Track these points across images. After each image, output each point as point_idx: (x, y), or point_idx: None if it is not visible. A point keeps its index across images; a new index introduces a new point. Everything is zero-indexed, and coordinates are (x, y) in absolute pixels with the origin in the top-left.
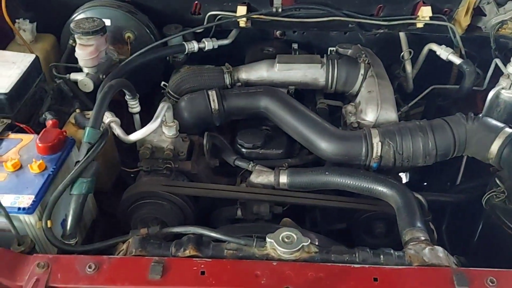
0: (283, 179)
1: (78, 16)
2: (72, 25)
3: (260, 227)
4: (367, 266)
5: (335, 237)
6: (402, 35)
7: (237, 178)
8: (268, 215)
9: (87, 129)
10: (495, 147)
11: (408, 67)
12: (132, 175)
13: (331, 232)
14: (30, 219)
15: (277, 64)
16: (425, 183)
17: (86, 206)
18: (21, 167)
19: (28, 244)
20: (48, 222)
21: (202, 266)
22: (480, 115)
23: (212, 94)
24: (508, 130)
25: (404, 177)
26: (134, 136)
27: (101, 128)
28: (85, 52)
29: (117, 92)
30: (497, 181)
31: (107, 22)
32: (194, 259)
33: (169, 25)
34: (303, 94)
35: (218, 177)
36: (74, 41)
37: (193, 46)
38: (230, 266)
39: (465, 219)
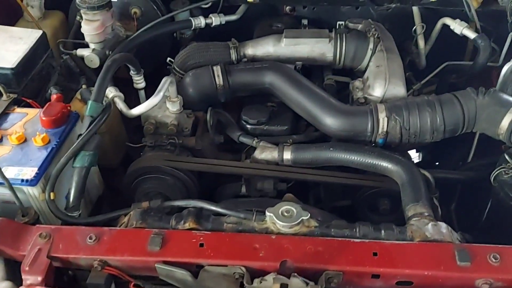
0: (287, 155)
1: None
2: (78, 0)
3: (262, 202)
4: (367, 241)
5: (339, 214)
6: (415, 9)
7: (242, 155)
8: (272, 192)
9: (90, 102)
10: (505, 122)
11: (421, 42)
12: (141, 152)
13: (335, 209)
14: (34, 191)
15: (284, 39)
16: (437, 163)
17: (92, 181)
18: (25, 140)
19: (32, 215)
20: (51, 194)
21: (201, 238)
22: (492, 89)
23: (217, 70)
24: None
25: (417, 157)
26: (136, 111)
27: (104, 102)
28: (91, 27)
29: (122, 67)
30: (507, 158)
31: None
32: (193, 231)
33: (176, 0)
34: (310, 70)
35: (223, 154)
36: (81, 17)
37: (200, 21)
38: (228, 239)
39: (475, 197)
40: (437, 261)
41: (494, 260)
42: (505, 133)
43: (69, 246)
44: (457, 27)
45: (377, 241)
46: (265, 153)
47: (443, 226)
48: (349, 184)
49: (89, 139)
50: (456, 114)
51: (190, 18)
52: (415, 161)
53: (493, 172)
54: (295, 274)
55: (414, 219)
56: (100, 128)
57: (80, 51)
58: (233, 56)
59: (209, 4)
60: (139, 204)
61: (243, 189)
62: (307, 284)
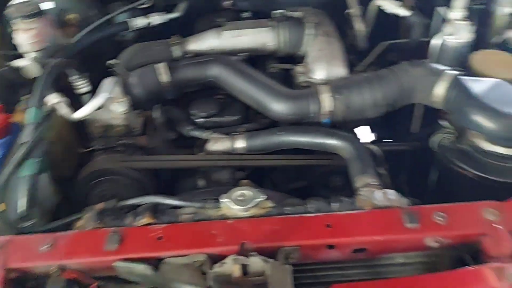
0: (239, 143)
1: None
2: (10, 10)
3: (219, 191)
4: (320, 214)
5: (297, 196)
6: None
7: (195, 149)
8: (232, 182)
9: (29, 109)
10: (438, 89)
11: (357, 25)
12: None
13: (293, 191)
14: None
15: (224, 32)
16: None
17: (46, 190)
18: None
19: None
20: (1, 205)
21: (159, 232)
22: (424, 60)
23: (159, 68)
24: (449, 72)
25: (372, 136)
26: (78, 114)
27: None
28: (27, 36)
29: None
30: (442, 123)
31: (51, 5)
32: (150, 226)
33: (114, 3)
34: (255, 61)
35: (177, 150)
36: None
37: (137, 22)
38: (186, 229)
39: (423, 166)
40: (386, 225)
41: (440, 218)
42: (440, 101)
43: (24, 255)
44: (389, 5)
45: (329, 214)
46: (218, 144)
47: (391, 192)
48: (300, 165)
49: (33, 146)
50: (394, 87)
51: (126, 20)
52: (370, 139)
53: (431, 138)
54: (254, 253)
55: (362, 189)
56: (45, 135)
57: (16, 62)
58: (176, 52)
59: (145, 4)
60: (93, 206)
61: (201, 183)
62: (267, 261)
